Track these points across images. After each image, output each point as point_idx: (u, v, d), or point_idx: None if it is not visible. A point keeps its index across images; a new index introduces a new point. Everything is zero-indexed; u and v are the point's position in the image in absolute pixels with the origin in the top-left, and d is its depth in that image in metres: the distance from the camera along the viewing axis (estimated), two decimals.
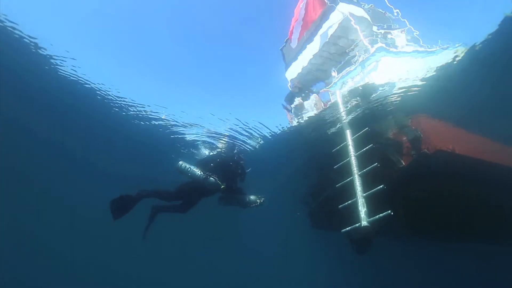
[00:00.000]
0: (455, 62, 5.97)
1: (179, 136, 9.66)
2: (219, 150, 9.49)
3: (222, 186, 5.95)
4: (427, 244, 11.46)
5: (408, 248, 12.66)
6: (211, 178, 5.88)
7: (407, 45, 8.08)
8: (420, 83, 6.20)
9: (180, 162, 6.02)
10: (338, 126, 6.42)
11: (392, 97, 6.37)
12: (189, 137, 9.63)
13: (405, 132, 5.65)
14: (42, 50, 7.02)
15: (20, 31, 6.50)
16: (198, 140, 9.67)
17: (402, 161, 5.49)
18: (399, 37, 8.39)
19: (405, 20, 8.83)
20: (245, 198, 6.17)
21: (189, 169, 5.94)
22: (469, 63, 5.99)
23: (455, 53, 6.05)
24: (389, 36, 8.37)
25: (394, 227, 6.49)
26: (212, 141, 9.56)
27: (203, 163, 6.48)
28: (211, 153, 8.86)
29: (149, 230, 5.82)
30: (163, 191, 6.06)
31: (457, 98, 6.48)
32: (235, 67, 41.26)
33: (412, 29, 8.65)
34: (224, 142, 9.41)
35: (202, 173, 5.91)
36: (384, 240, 9.24)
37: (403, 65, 6.80)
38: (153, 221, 5.86)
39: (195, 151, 10.11)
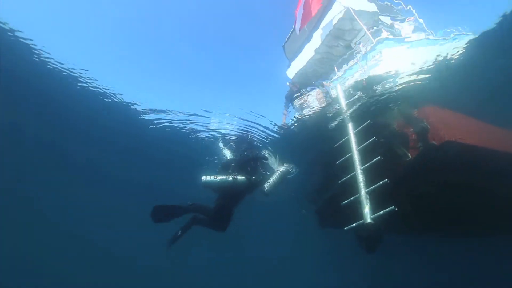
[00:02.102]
0: (464, 50, 5.71)
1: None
2: (232, 151, 9.45)
3: (253, 178, 5.95)
4: (439, 240, 11.11)
5: (419, 245, 12.32)
6: (239, 177, 5.85)
7: (413, 34, 7.82)
8: (427, 72, 5.96)
9: (203, 177, 5.82)
10: (340, 120, 6.22)
11: (397, 88, 6.15)
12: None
13: (411, 122, 5.40)
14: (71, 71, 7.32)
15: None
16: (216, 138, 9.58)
17: (408, 154, 5.25)
18: (404, 27, 8.13)
19: (410, 7, 8.58)
20: (280, 172, 6.18)
21: (215, 179, 5.81)
22: (481, 49, 5.73)
23: (465, 40, 5.79)
24: (395, 26, 8.13)
25: (403, 224, 6.26)
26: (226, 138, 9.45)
27: (223, 169, 6.43)
28: (228, 157, 8.85)
29: (178, 240, 5.73)
30: (207, 207, 6.01)
31: (467, 86, 6.20)
32: (237, 65, 41.06)
33: (418, 17, 8.38)
34: (234, 139, 9.33)
35: (228, 177, 5.83)
36: (393, 237, 9.00)
37: (409, 55, 6.56)
38: (187, 231, 5.79)
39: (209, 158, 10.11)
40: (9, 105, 8.32)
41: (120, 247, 16.03)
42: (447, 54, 5.83)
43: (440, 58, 5.84)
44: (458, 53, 5.80)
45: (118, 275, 16.34)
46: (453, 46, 5.98)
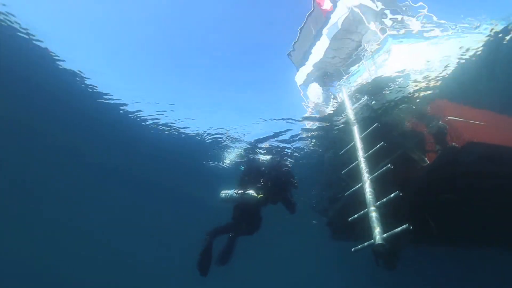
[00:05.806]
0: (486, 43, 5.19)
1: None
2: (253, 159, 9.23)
3: (260, 196, 5.54)
4: (466, 251, 10.15)
5: (444, 257, 11.37)
6: (246, 193, 5.56)
7: (423, 30, 7.31)
8: (442, 71, 5.42)
9: (222, 193, 5.77)
10: (346, 124, 5.75)
11: (410, 92, 5.62)
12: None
13: (424, 121, 4.85)
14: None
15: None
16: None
17: (425, 158, 4.68)
18: (413, 23, 7.64)
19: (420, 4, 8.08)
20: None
21: (228, 195, 5.71)
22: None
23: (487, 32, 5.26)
24: (403, 23, 7.66)
25: (424, 237, 5.63)
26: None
27: (241, 181, 6.20)
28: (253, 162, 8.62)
29: (229, 257, 5.56)
30: (225, 225, 5.82)
31: (492, 81, 5.62)
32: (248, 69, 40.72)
33: (426, 13, 7.85)
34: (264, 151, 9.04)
35: (237, 192, 5.63)
36: (416, 249, 8.27)
37: (419, 52, 6.05)
38: (234, 247, 5.63)
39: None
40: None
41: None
42: (468, 48, 5.29)
43: (455, 54, 5.30)
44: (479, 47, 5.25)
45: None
46: (472, 40, 5.44)
